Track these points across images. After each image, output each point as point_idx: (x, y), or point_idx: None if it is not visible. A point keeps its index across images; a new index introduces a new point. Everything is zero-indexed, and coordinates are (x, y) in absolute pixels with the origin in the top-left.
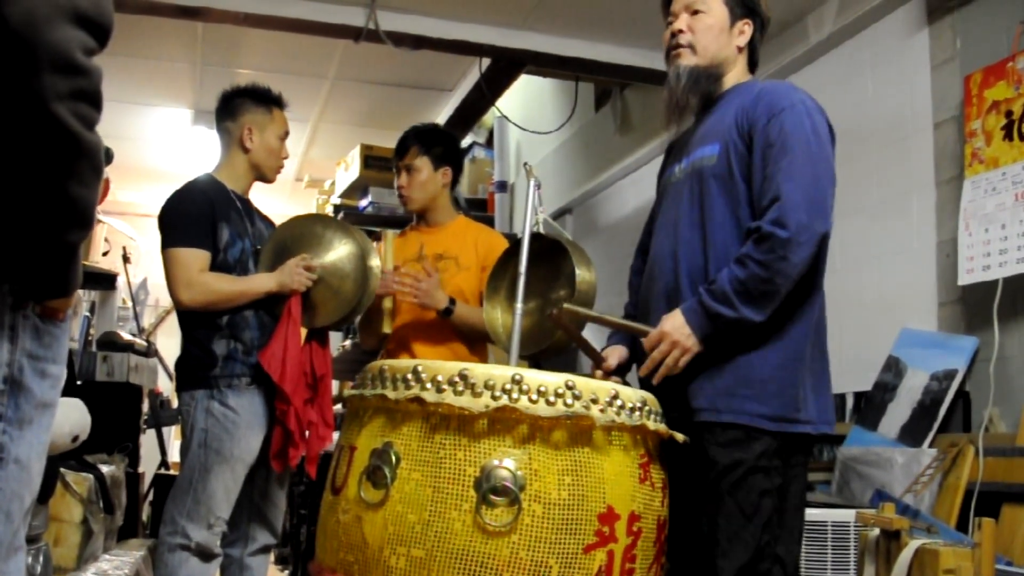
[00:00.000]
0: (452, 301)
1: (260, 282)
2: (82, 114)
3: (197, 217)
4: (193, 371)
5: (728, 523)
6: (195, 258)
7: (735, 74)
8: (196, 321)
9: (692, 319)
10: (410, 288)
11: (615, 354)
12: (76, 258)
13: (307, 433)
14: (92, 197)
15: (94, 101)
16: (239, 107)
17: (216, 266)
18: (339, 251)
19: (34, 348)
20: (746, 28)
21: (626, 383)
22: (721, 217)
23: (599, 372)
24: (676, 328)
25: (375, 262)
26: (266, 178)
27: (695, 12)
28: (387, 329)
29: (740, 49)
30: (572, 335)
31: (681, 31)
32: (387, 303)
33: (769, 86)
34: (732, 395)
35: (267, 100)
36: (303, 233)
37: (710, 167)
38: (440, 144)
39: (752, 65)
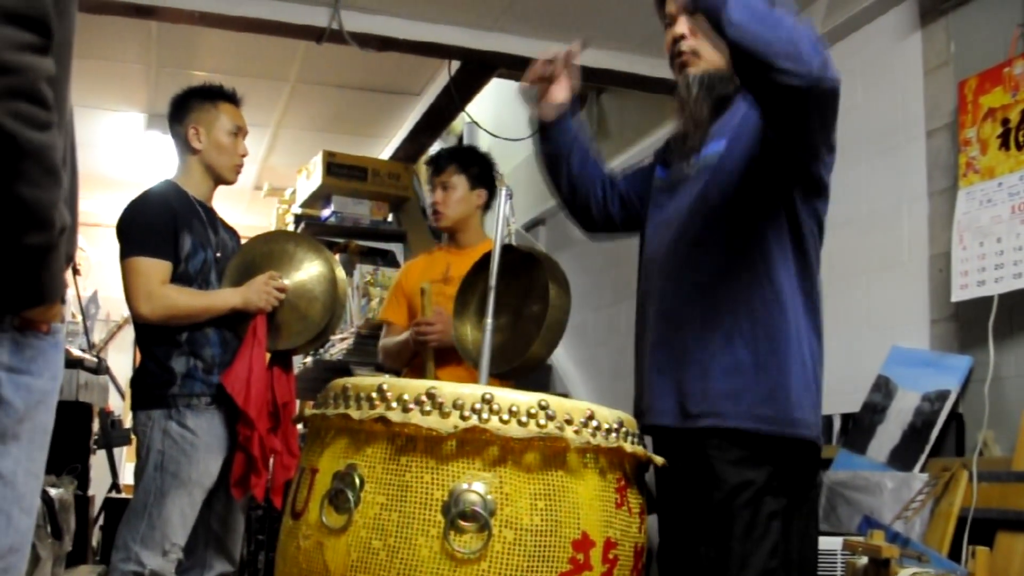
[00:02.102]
0: None
1: (225, 298)
2: (21, 113)
3: (158, 225)
4: (150, 389)
5: (738, 546)
6: (156, 269)
7: None
8: (154, 336)
9: None
10: (432, 336)
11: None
12: (47, 264)
13: (271, 461)
14: (48, 198)
15: (35, 98)
16: (185, 107)
17: (176, 277)
18: (309, 271)
19: (13, 361)
20: None
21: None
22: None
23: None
24: None
25: (343, 283)
26: (224, 179)
27: (695, 11)
28: (431, 376)
29: None
30: None
31: (683, 36)
32: (430, 356)
33: None
34: (736, 398)
35: (212, 95)
36: (272, 250)
37: (711, 166)
38: (477, 165)
39: None
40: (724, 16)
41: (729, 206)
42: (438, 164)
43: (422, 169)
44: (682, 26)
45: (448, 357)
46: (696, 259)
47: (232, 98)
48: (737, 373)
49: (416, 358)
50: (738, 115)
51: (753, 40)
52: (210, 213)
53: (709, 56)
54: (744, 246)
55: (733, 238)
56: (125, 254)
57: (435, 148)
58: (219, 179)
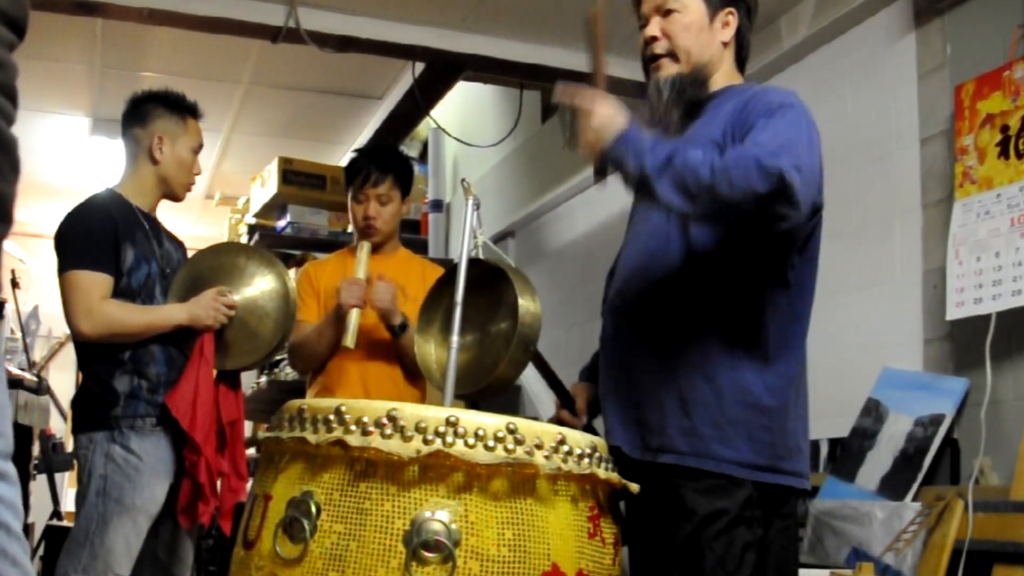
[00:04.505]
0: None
1: (170, 314)
2: (1, 107)
3: (98, 237)
4: (91, 410)
5: None
6: (96, 283)
7: (723, 73)
8: (95, 354)
9: (631, 137)
10: (375, 294)
11: (584, 394)
12: None
13: (218, 484)
14: (12, 192)
15: (11, 96)
16: (150, 114)
17: (119, 291)
18: (260, 286)
19: None
20: (730, 19)
21: (592, 428)
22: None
23: (565, 413)
24: (608, 116)
25: (296, 299)
26: (175, 195)
27: (667, 12)
28: (351, 343)
29: (725, 44)
30: (544, 371)
31: (655, 38)
32: (354, 316)
33: (765, 90)
34: (698, 436)
35: (181, 108)
36: (222, 263)
37: None
38: (410, 174)
39: (740, 62)
40: (652, 190)
41: (700, 230)
42: (371, 176)
43: None
44: (654, 28)
45: (378, 363)
46: (657, 281)
47: (198, 114)
48: (690, 408)
49: (331, 363)
50: (715, 125)
51: (693, 211)
52: (154, 224)
53: (684, 58)
54: (711, 273)
55: (700, 264)
56: (63, 268)
57: None
58: (170, 194)
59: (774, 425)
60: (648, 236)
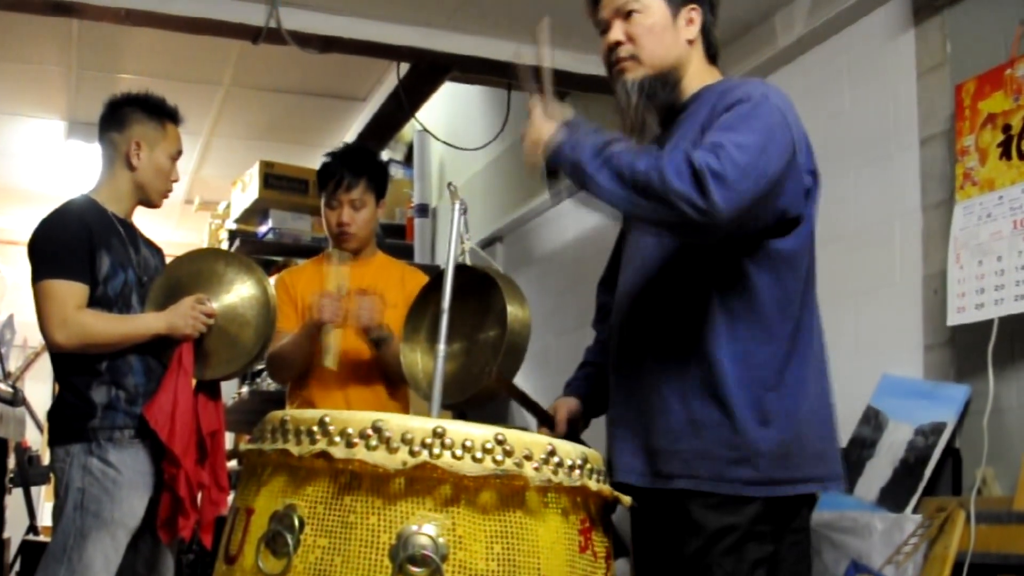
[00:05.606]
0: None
1: (147, 323)
2: None
3: (73, 245)
4: (68, 422)
5: None
6: (71, 292)
7: (695, 72)
8: (72, 365)
9: (571, 131)
10: (356, 309)
11: (564, 407)
12: None
13: (199, 497)
14: None
15: None
16: (128, 118)
17: (95, 300)
18: (240, 293)
19: None
20: (693, 15)
21: (582, 442)
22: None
23: (545, 430)
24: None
25: (275, 306)
26: (151, 202)
27: (629, 14)
28: (332, 364)
29: (691, 42)
30: (514, 394)
31: (619, 42)
32: (334, 336)
33: (735, 82)
34: (710, 459)
35: (160, 113)
36: (200, 270)
37: None
38: (384, 176)
39: (711, 57)
40: (589, 184)
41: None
42: (343, 180)
43: None
44: (617, 32)
45: (359, 376)
46: (653, 300)
47: (177, 119)
48: (702, 430)
49: (311, 376)
50: (693, 129)
51: (624, 205)
52: (130, 230)
53: (649, 60)
54: (702, 287)
55: (690, 277)
56: (37, 277)
57: (383, 158)
58: (146, 200)
59: (788, 437)
60: (631, 259)
